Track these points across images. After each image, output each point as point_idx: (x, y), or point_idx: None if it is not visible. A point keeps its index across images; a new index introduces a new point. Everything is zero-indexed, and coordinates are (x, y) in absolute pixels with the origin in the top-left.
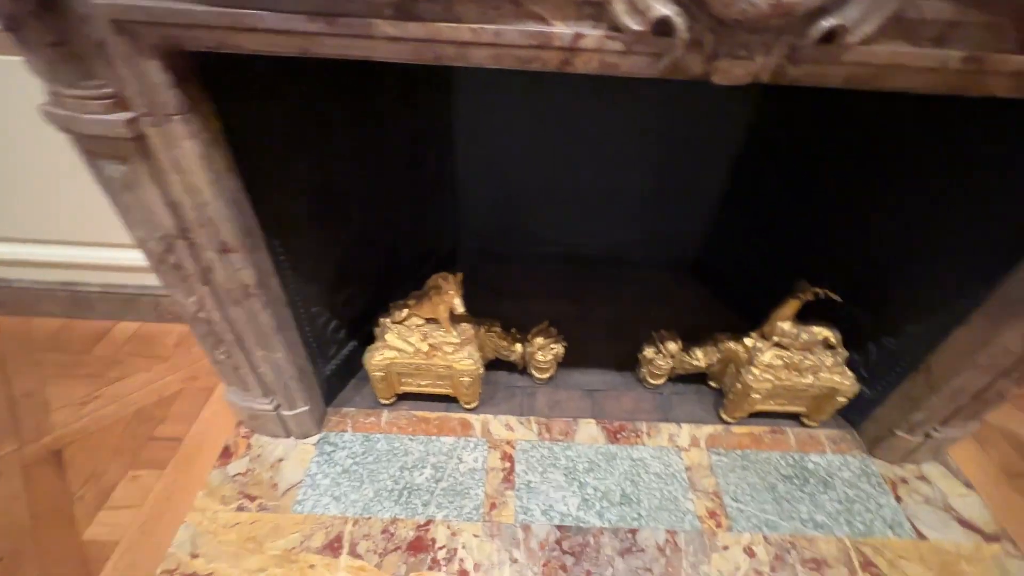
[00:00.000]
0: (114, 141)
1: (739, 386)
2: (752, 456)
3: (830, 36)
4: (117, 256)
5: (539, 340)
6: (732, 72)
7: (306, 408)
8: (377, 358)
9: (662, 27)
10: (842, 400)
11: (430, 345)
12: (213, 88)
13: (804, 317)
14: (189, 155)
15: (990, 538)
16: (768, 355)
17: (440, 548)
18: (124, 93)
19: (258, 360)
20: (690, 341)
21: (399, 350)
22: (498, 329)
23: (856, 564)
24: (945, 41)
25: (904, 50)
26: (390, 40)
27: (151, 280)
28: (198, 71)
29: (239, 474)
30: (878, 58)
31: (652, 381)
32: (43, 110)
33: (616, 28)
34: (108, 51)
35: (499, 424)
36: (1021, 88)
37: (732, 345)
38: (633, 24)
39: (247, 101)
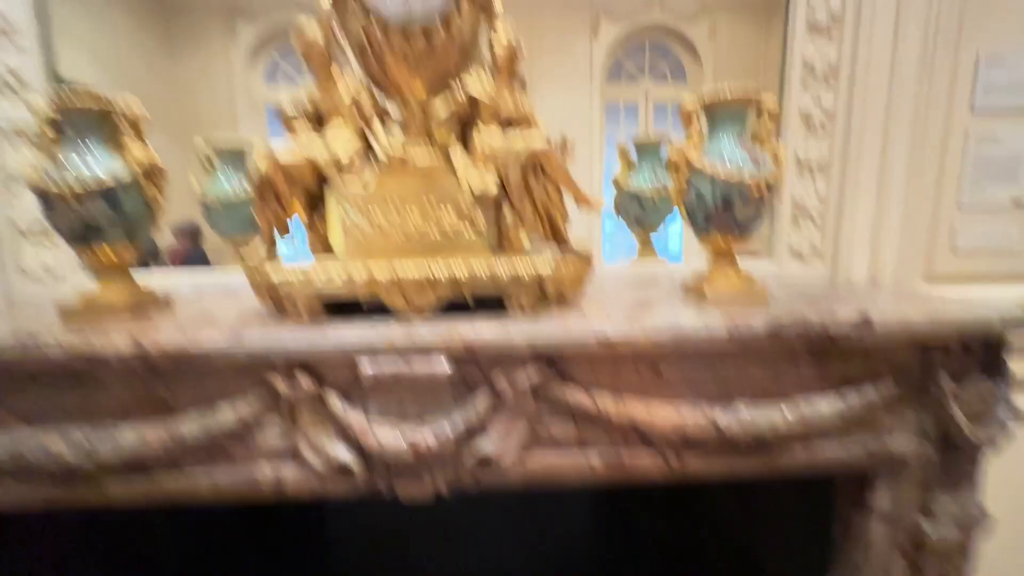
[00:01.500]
0: None
1: None
2: None
3: (486, 460)
4: None
5: None
6: (411, 491)
7: None
8: None
9: (344, 468)
10: None
11: None
12: None
13: None
14: None
15: None
16: None
17: None
18: None
19: None
20: None
21: None
22: None
23: None
24: (587, 447)
25: (556, 460)
26: (124, 493)
27: None
28: None
29: None
30: (537, 468)
31: None
32: None
33: (310, 469)
34: None
35: None
36: (674, 474)
37: None
38: (320, 466)
39: None
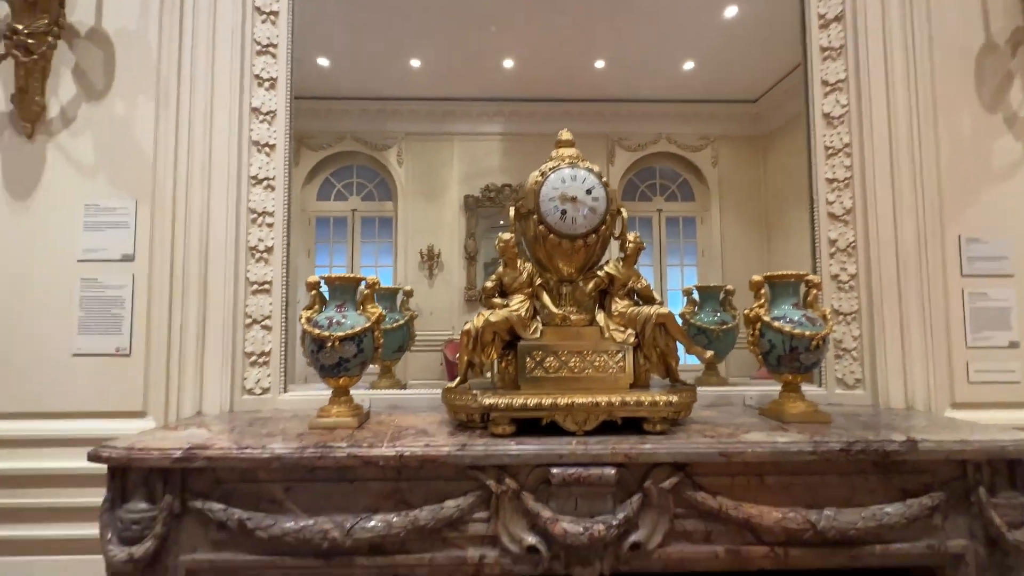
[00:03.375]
0: None
1: None
2: None
3: (636, 546)
4: None
5: None
6: (583, 572)
7: None
8: None
9: (533, 549)
10: None
11: None
12: None
13: None
14: None
15: None
16: None
17: None
18: None
19: None
20: None
21: None
22: None
23: None
24: (711, 539)
25: (688, 548)
26: (366, 568)
27: None
28: None
29: None
30: (674, 554)
31: None
32: None
33: (505, 551)
34: None
35: None
36: (780, 562)
37: None
38: (515, 548)
39: None
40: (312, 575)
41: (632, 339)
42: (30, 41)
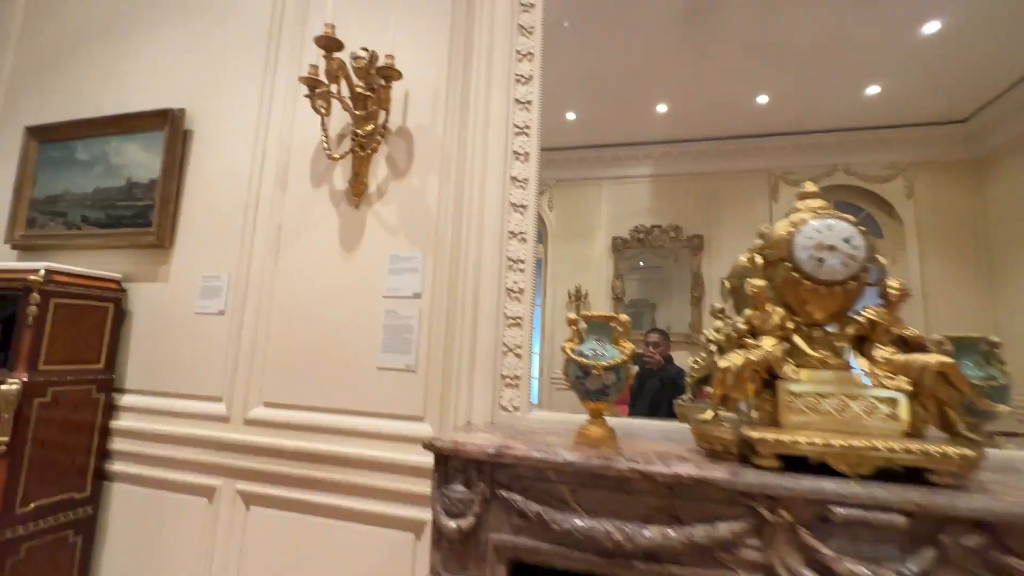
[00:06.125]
0: None
1: None
2: None
3: None
4: None
5: None
6: None
7: None
8: None
9: None
10: None
11: None
12: None
13: None
14: None
15: None
16: None
17: None
18: None
19: None
20: None
21: None
22: None
23: None
24: None
25: None
26: (642, 572)
27: None
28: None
29: None
30: None
31: None
32: None
33: None
34: (484, 558)
35: None
36: None
37: None
38: None
39: None
40: (593, 570)
41: (905, 386)
42: (364, 140)
